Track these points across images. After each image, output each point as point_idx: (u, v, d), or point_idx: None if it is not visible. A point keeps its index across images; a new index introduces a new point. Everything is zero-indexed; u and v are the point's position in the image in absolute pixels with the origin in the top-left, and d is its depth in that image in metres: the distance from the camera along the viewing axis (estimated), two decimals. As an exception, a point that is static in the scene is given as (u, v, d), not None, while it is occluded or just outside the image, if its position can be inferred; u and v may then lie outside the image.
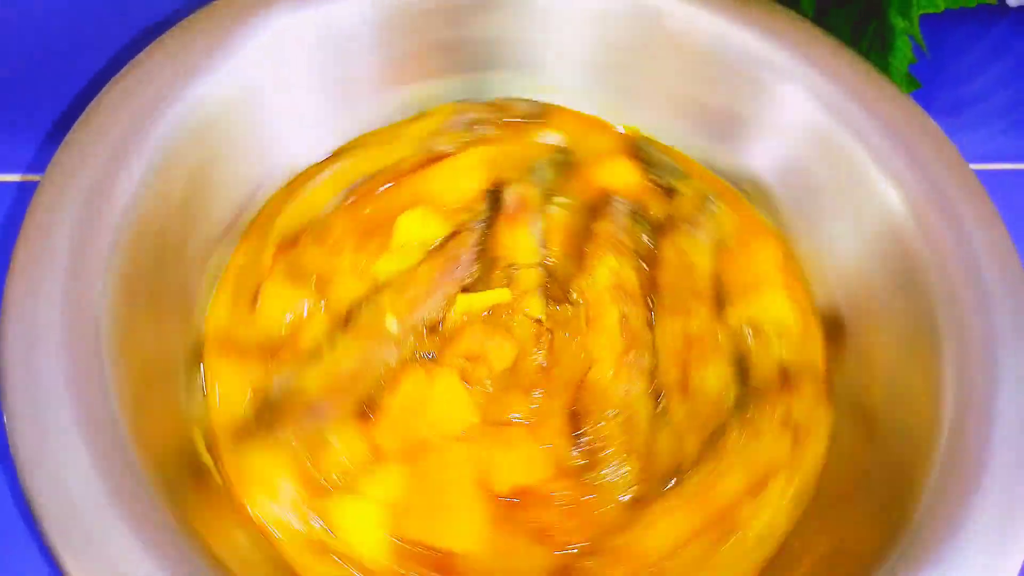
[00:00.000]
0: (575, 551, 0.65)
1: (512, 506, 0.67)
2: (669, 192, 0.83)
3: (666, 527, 0.66)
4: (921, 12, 0.81)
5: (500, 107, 0.86)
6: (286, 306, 0.73)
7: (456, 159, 0.83)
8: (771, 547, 0.67)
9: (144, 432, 0.60)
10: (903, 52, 0.82)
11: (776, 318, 0.76)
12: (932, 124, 0.76)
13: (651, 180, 0.84)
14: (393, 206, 0.79)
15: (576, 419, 0.71)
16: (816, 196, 0.79)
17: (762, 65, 0.79)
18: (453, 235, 0.78)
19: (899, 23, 0.82)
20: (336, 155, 0.82)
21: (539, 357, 0.73)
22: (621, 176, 0.84)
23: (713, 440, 0.70)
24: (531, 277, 0.77)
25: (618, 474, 0.69)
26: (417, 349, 0.73)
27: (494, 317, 0.75)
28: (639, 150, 0.85)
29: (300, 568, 0.63)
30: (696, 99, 0.83)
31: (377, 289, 0.75)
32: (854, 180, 0.76)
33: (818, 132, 0.77)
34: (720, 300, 0.77)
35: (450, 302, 0.75)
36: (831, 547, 0.65)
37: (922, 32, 0.84)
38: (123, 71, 0.71)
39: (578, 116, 0.88)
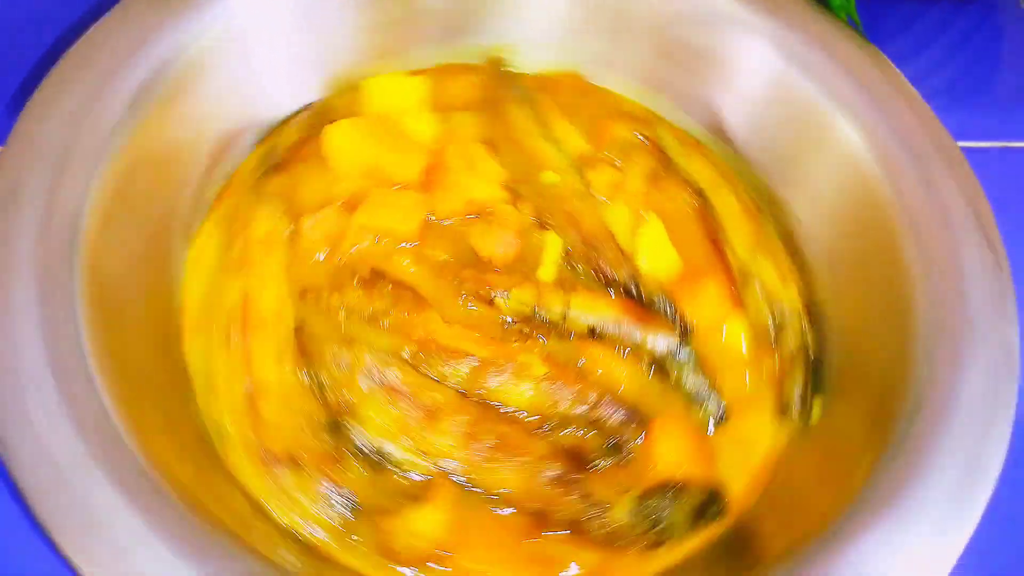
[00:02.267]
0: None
1: None
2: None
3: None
4: (857, -9, 0.85)
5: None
6: None
7: None
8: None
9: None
10: None
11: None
12: (891, 67, 0.80)
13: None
14: None
15: None
16: (785, 144, 0.82)
17: (728, 20, 0.82)
18: None
19: (836, 1, 0.84)
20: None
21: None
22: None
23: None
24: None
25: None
26: None
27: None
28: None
29: None
30: (668, 56, 0.86)
31: None
32: (818, 124, 0.79)
33: (783, 81, 0.81)
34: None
35: None
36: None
37: (860, 12, 0.87)
38: (105, 16, 0.71)
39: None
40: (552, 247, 0.76)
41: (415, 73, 0.84)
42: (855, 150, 0.77)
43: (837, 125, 0.78)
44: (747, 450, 0.71)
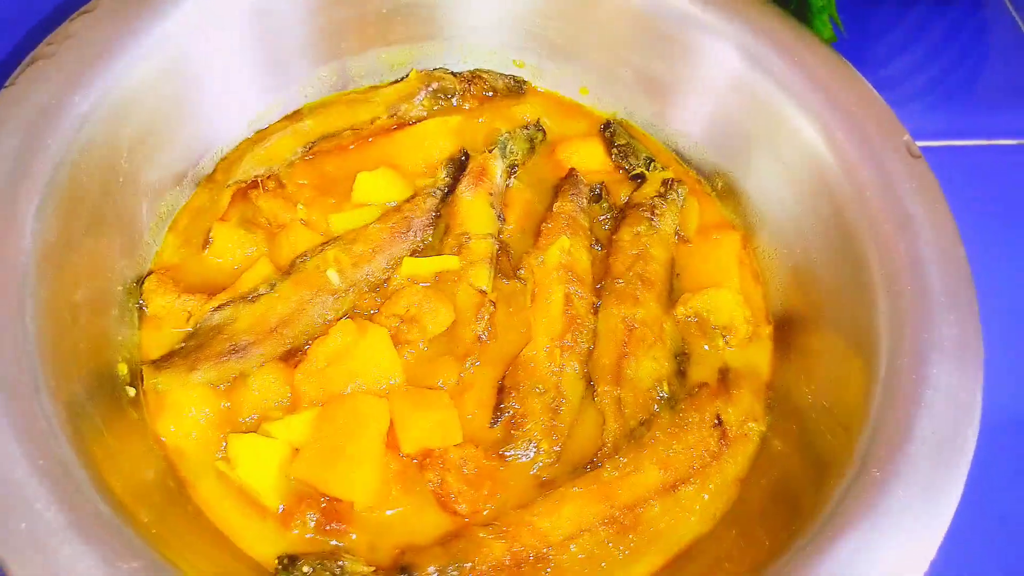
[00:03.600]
0: (469, 519, 0.65)
1: (416, 466, 0.66)
2: (637, 179, 0.85)
3: (569, 512, 0.64)
4: (839, -7, 0.83)
5: (475, 79, 0.88)
6: (235, 249, 0.75)
7: (424, 125, 0.85)
8: (677, 548, 0.66)
9: (60, 356, 0.60)
10: (822, 32, 0.84)
11: (727, 318, 0.76)
12: (851, 70, 0.79)
13: (619, 165, 0.86)
14: (355, 165, 0.82)
15: (502, 393, 0.71)
16: (746, 146, 0.82)
17: (693, 24, 0.82)
18: (411, 198, 0.79)
19: (818, 2, 0.84)
20: (301, 113, 0.85)
21: (477, 328, 0.73)
22: (589, 158, 0.86)
23: (637, 433, 0.69)
24: (482, 248, 0.76)
25: (531, 452, 0.68)
26: (356, 305, 0.73)
27: (439, 283, 0.75)
28: (613, 135, 0.86)
29: (199, 500, 0.64)
30: (631, 61, 0.86)
31: (326, 242, 0.76)
32: (778, 126, 0.79)
33: (744, 85, 0.81)
34: (672, 292, 0.78)
35: (396, 264, 0.75)
36: (741, 547, 0.65)
37: (843, 13, 0.86)
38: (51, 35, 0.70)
39: (556, 97, 0.91)
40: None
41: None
42: (813, 146, 0.76)
43: (795, 122, 0.78)
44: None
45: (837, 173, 0.74)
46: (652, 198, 0.82)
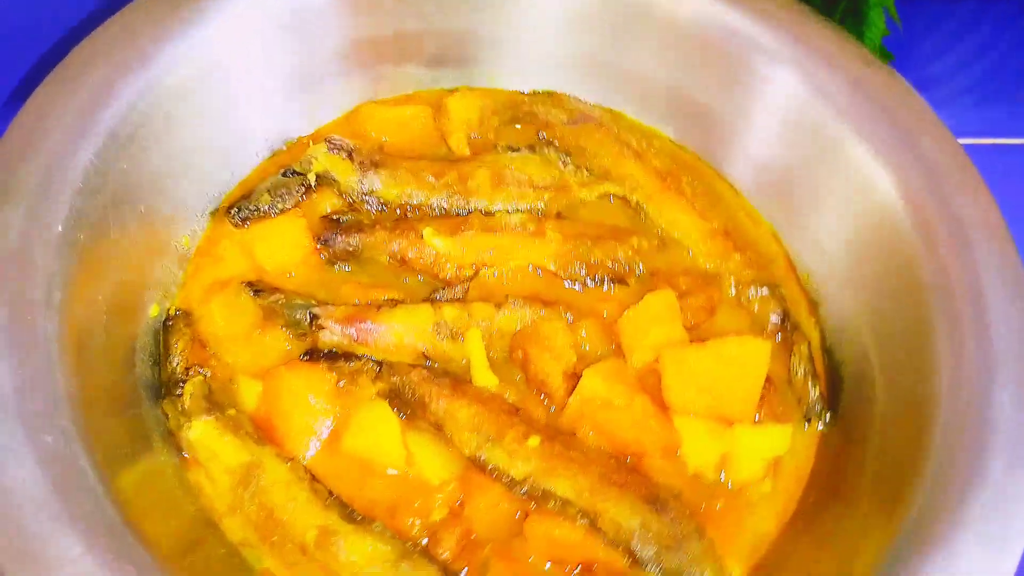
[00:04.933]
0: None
1: None
2: None
3: None
4: (896, -15, 0.80)
5: None
6: None
7: None
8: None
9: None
10: (877, 25, 0.81)
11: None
12: (927, 109, 0.73)
13: None
14: None
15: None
16: (808, 185, 0.77)
17: (751, 48, 0.76)
18: None
19: None
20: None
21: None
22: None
23: None
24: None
25: None
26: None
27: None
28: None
29: None
30: (682, 86, 0.81)
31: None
32: (844, 168, 0.73)
33: (810, 119, 0.74)
34: None
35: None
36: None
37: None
38: (85, 40, 0.67)
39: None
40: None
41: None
42: (877, 184, 0.70)
43: (858, 157, 0.71)
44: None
45: (907, 224, 0.68)
46: None
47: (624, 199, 0.79)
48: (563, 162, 0.79)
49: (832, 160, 0.73)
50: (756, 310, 0.75)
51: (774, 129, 0.77)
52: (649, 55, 0.80)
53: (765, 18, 0.76)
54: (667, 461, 0.67)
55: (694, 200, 0.79)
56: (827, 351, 0.75)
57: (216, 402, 0.65)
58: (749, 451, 0.67)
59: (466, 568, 0.62)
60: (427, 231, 0.73)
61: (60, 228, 0.60)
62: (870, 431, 0.67)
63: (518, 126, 0.83)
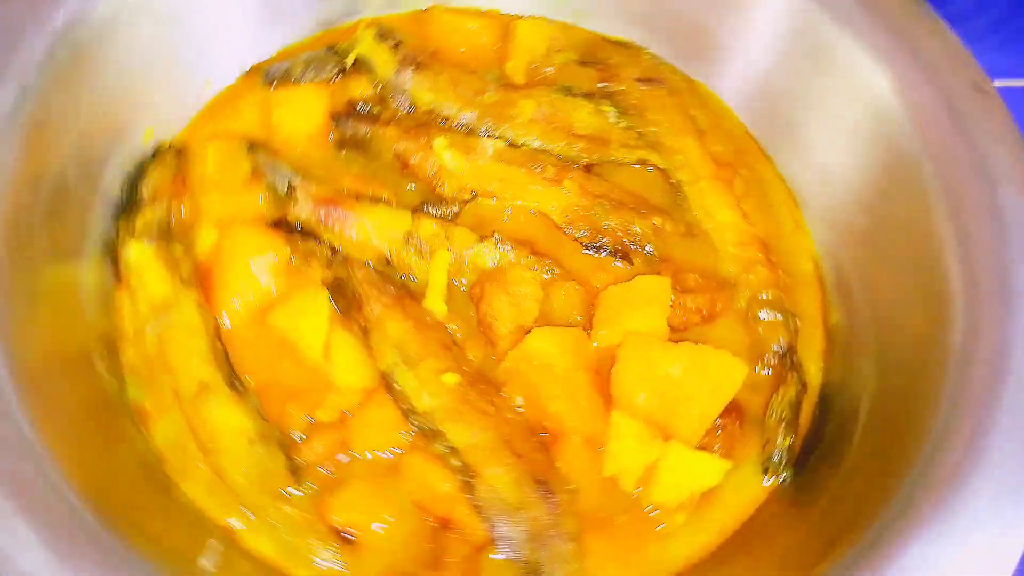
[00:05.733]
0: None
1: None
2: None
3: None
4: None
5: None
6: None
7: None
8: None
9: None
10: None
11: None
12: (942, 25, 0.65)
13: None
14: None
15: (594, 243, 0.68)
16: (804, 97, 0.70)
17: None
18: (334, 287, 0.66)
19: None
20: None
21: (507, 247, 0.67)
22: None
23: None
24: (427, 227, 0.67)
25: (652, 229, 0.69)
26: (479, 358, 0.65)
27: (466, 278, 0.67)
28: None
29: None
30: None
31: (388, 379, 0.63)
32: (847, 87, 0.66)
33: (809, 34, 0.68)
34: None
35: (427, 314, 0.65)
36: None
37: None
38: None
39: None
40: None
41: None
42: (883, 101, 0.63)
43: (862, 70, 0.64)
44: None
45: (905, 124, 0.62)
46: None
47: (665, 174, 0.72)
48: (614, 118, 0.73)
49: (831, 75, 0.67)
50: (761, 333, 0.66)
51: (771, 44, 0.71)
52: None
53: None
54: (584, 452, 0.61)
55: (742, 198, 0.70)
56: (823, 404, 0.64)
57: (167, 235, 0.65)
58: (675, 473, 0.59)
59: (326, 473, 0.59)
60: (438, 141, 0.69)
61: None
62: (823, 495, 0.58)
63: (586, 70, 0.76)
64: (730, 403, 0.61)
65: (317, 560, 0.57)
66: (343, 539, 0.57)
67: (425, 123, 0.72)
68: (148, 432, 0.59)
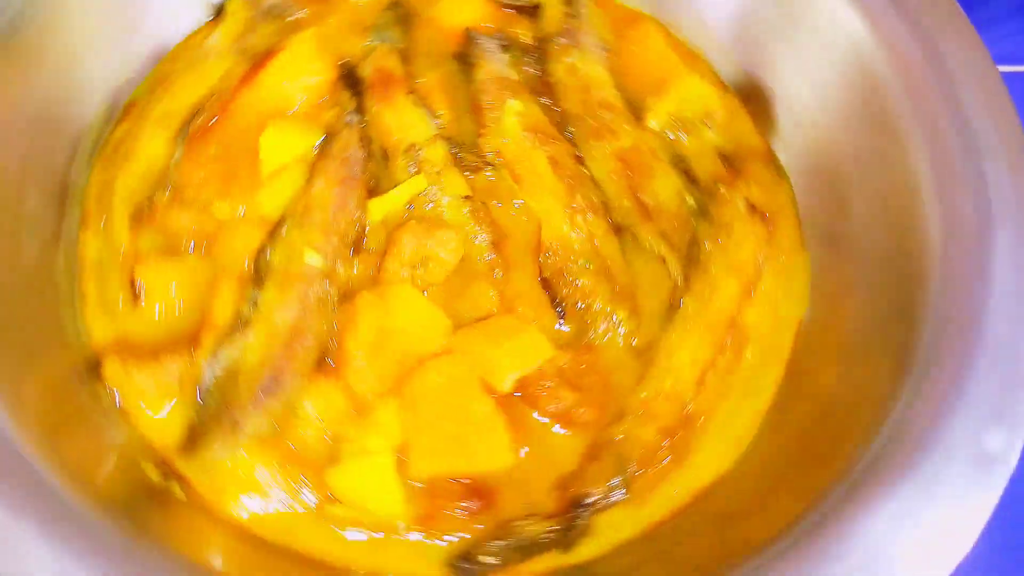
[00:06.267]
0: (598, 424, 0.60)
1: (521, 401, 0.59)
2: (531, 11, 0.73)
3: (683, 360, 0.60)
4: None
5: None
6: (179, 286, 0.61)
7: (283, 54, 0.68)
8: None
9: (69, 468, 0.51)
10: None
11: (697, 106, 0.70)
12: None
13: (505, 4, 0.73)
14: (241, 132, 0.66)
15: (549, 286, 0.63)
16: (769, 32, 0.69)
17: None
18: (328, 139, 0.66)
19: None
20: (142, 96, 0.69)
21: (484, 236, 0.64)
22: (470, 10, 0.72)
23: (692, 255, 0.63)
24: (438, 153, 0.65)
25: (613, 325, 0.62)
26: (350, 277, 0.62)
27: (417, 211, 0.64)
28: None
29: (311, 550, 0.57)
30: None
31: (275, 227, 0.63)
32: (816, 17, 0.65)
33: None
34: (636, 107, 0.70)
35: (362, 211, 0.63)
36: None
37: None
38: None
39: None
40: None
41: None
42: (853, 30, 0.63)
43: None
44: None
45: (877, 53, 0.62)
46: (563, 24, 0.72)
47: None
48: (688, 205, 0.69)
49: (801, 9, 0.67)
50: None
51: None
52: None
53: None
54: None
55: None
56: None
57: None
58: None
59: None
60: (514, 102, 0.68)
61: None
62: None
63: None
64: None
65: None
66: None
67: (535, 82, 0.70)
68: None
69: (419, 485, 0.56)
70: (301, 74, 0.69)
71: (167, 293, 0.61)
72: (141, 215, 0.64)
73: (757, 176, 0.68)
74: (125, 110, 0.69)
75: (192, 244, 0.63)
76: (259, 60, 0.69)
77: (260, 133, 0.66)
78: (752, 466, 0.59)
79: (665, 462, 0.58)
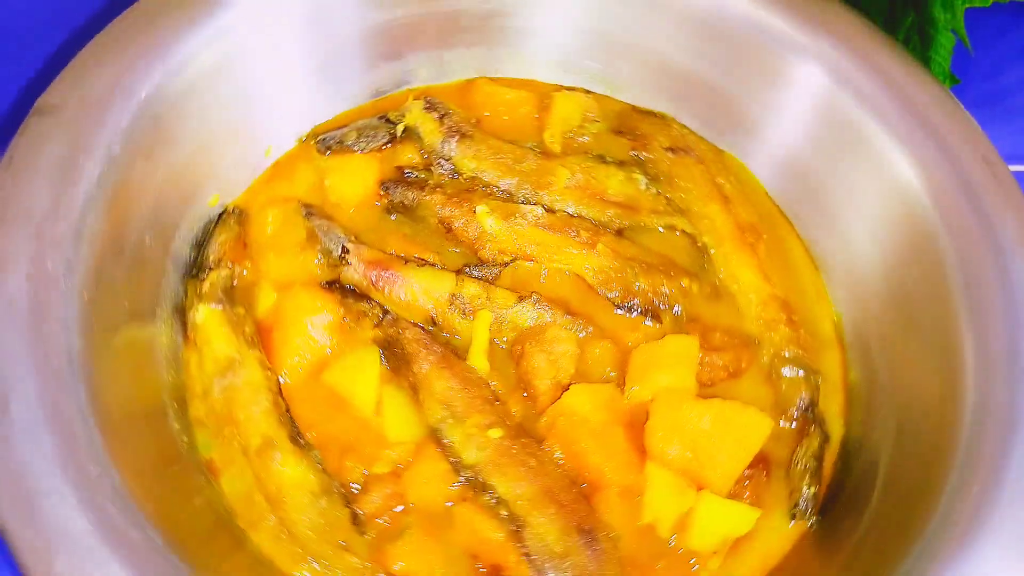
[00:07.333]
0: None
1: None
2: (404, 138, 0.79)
3: (740, 270, 0.76)
4: (967, 6, 0.75)
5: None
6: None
7: (277, 332, 0.70)
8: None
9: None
10: (945, 47, 0.76)
11: (574, 113, 0.82)
12: (963, 111, 0.70)
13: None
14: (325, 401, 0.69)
15: (626, 308, 0.74)
16: (833, 181, 0.75)
17: (776, 40, 0.75)
18: (389, 348, 0.70)
19: (942, 17, 0.76)
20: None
21: (555, 312, 0.72)
22: (360, 180, 0.78)
23: (675, 208, 0.79)
24: (471, 288, 0.71)
25: (684, 291, 0.74)
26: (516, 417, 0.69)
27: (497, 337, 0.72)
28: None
29: None
30: (698, 75, 0.80)
31: (439, 446, 0.67)
32: (872, 167, 0.71)
33: (837, 115, 0.73)
34: (542, 147, 0.81)
35: (469, 370, 0.69)
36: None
37: None
38: (101, 34, 0.67)
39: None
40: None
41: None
42: (905, 181, 0.68)
43: (887, 154, 0.70)
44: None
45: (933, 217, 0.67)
46: (441, 131, 0.80)
47: (692, 238, 0.77)
48: (644, 185, 0.78)
49: (856, 155, 0.72)
50: (784, 389, 0.70)
51: (800, 122, 0.76)
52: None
53: (792, 11, 0.75)
54: (623, 502, 0.64)
55: (765, 261, 0.75)
56: (845, 456, 0.68)
57: (231, 297, 0.70)
58: (708, 521, 0.63)
59: (383, 523, 0.63)
60: (481, 208, 0.74)
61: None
62: (848, 541, 0.62)
63: (619, 139, 0.82)
64: (757, 454, 0.65)
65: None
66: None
67: (468, 190, 0.77)
68: (218, 485, 0.63)
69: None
70: (310, 320, 0.70)
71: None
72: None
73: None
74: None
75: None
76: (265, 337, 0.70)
77: (333, 399, 0.68)
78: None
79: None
